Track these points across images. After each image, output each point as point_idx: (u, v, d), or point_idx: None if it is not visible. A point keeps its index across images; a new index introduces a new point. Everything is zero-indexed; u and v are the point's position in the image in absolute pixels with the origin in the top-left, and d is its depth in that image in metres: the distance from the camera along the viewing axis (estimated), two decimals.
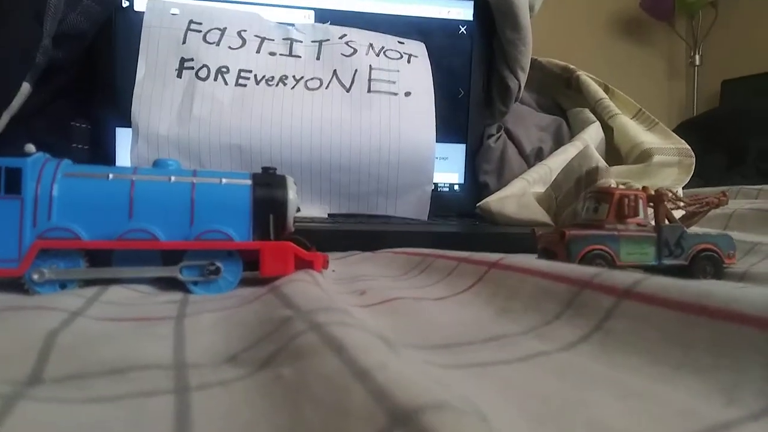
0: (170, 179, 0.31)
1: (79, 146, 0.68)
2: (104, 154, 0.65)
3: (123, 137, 0.65)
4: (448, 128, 0.71)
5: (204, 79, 0.61)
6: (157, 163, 0.33)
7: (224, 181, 0.32)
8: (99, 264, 0.30)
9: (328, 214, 0.64)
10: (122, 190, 0.30)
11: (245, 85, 0.62)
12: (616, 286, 0.22)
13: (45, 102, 0.62)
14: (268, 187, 0.33)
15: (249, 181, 0.33)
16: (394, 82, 0.65)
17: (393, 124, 0.64)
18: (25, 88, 0.57)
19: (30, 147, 0.30)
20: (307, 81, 0.63)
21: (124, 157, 0.64)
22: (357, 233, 0.54)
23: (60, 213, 0.29)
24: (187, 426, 0.13)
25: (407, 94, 0.65)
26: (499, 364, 0.18)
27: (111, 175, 0.31)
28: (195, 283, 0.31)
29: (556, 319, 0.22)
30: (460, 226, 0.65)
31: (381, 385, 0.13)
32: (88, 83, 0.66)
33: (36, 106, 0.60)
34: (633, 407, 0.15)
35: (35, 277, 0.29)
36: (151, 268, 0.31)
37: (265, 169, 0.34)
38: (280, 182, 0.33)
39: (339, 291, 0.30)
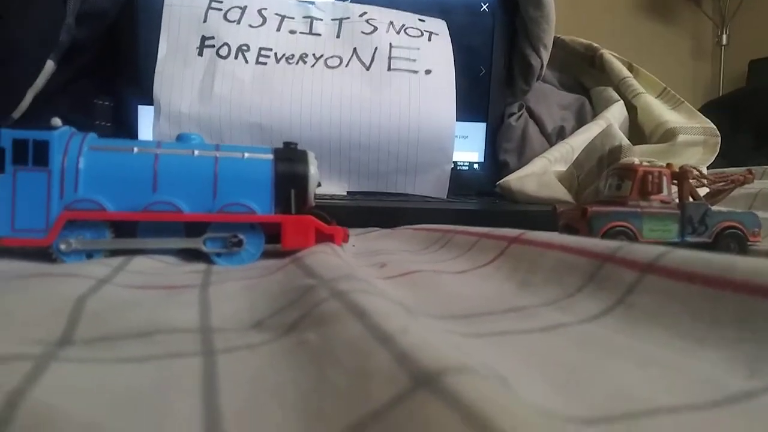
0: (193, 153, 0.32)
1: (102, 123, 0.68)
2: (126, 132, 0.66)
3: (145, 115, 0.65)
4: (469, 107, 0.71)
5: (225, 57, 0.62)
6: (180, 138, 0.33)
7: (246, 155, 0.32)
8: (124, 235, 0.31)
9: (347, 192, 0.64)
10: (146, 163, 0.31)
11: (266, 64, 0.62)
12: (638, 260, 0.22)
13: (68, 80, 0.63)
14: (289, 161, 0.33)
15: (271, 156, 0.33)
16: (414, 60, 0.64)
17: (413, 102, 0.63)
18: (49, 65, 0.58)
19: (56, 121, 0.30)
20: (327, 59, 0.63)
21: (146, 134, 0.65)
22: (376, 210, 0.54)
23: (86, 185, 0.30)
24: (214, 386, 0.14)
25: (427, 72, 0.65)
26: (519, 334, 0.18)
27: (136, 149, 0.31)
28: (218, 255, 0.31)
29: (577, 292, 0.22)
30: (479, 204, 0.64)
31: (403, 349, 0.13)
32: (111, 61, 0.67)
33: (59, 84, 0.61)
34: (655, 376, 0.15)
35: (62, 246, 0.29)
36: (176, 239, 0.31)
37: (287, 144, 0.34)
38: (301, 157, 0.34)
39: (359, 264, 0.30)
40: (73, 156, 0.30)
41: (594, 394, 0.14)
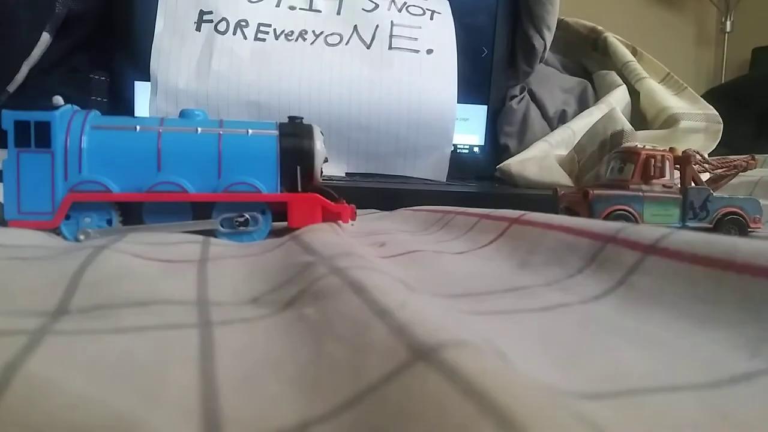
0: (197, 131, 0.31)
1: (98, 99, 0.68)
2: (123, 107, 0.65)
3: (141, 90, 0.65)
4: (470, 88, 0.70)
5: (223, 33, 0.61)
6: (183, 114, 0.33)
7: (251, 131, 0.32)
8: (129, 215, 0.31)
9: (346, 173, 0.64)
10: (150, 142, 0.30)
11: (264, 40, 0.61)
12: (640, 241, 0.21)
13: (64, 53, 0.62)
14: (294, 137, 0.33)
15: (275, 132, 0.32)
16: (416, 39, 0.64)
17: (413, 82, 0.63)
18: (45, 38, 0.57)
19: (58, 99, 0.30)
20: (326, 36, 0.62)
21: (143, 110, 0.64)
22: (375, 191, 0.54)
23: (90, 165, 0.30)
24: (211, 358, 0.14)
25: (429, 51, 0.64)
26: (519, 312, 0.18)
27: (138, 127, 0.31)
28: (228, 235, 0.31)
29: (578, 273, 0.22)
30: (479, 187, 0.64)
31: (401, 322, 0.13)
32: (108, 35, 0.66)
33: (55, 58, 0.60)
34: (656, 355, 0.15)
35: (81, 237, 0.29)
36: (191, 222, 0.31)
37: (292, 119, 0.34)
38: (306, 132, 0.33)
39: (358, 243, 0.30)
40: (75, 136, 0.30)
41: (594, 371, 0.14)
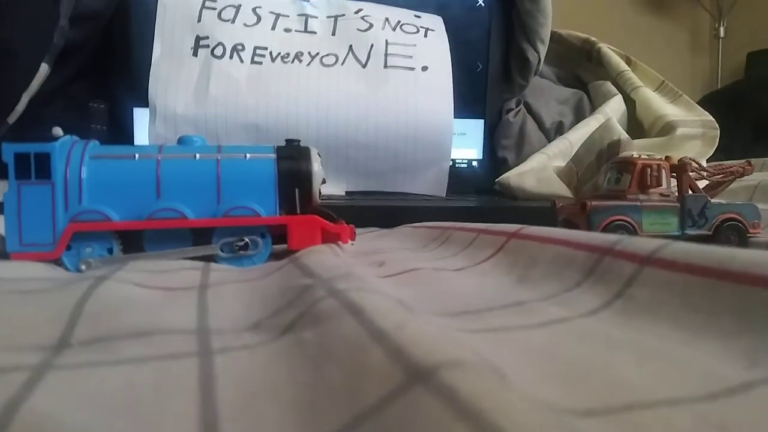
0: (195, 157, 0.32)
1: (98, 127, 0.68)
2: (122, 134, 0.66)
3: (141, 117, 0.65)
4: (466, 103, 0.70)
5: (220, 57, 0.61)
6: (182, 140, 0.33)
7: (248, 156, 0.32)
8: (129, 243, 0.31)
9: (346, 192, 0.64)
10: (149, 169, 0.31)
11: (261, 63, 0.62)
12: (637, 253, 0.21)
13: (63, 83, 0.63)
14: (291, 159, 0.33)
15: (273, 155, 0.33)
16: (410, 57, 0.64)
17: (410, 99, 0.63)
18: (44, 68, 0.58)
19: (57, 130, 0.30)
20: (322, 57, 0.63)
21: (142, 137, 0.65)
22: (375, 209, 0.54)
23: (90, 195, 0.30)
24: (211, 387, 0.14)
25: (424, 68, 0.64)
26: (518, 329, 0.18)
27: (137, 155, 0.31)
28: (228, 259, 0.31)
29: (576, 286, 0.22)
30: (478, 201, 0.64)
31: (398, 345, 0.13)
32: (106, 63, 0.66)
33: (54, 87, 0.61)
34: (655, 369, 0.15)
35: (83, 267, 0.29)
36: (193, 248, 0.31)
37: (289, 142, 0.34)
38: (304, 154, 0.33)
39: (358, 263, 0.30)
40: (75, 166, 0.30)
41: (593, 387, 0.14)
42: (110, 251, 0.30)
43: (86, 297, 0.20)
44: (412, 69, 0.64)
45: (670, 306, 0.19)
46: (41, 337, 0.17)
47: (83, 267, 0.29)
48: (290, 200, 0.32)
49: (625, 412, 0.12)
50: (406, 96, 0.63)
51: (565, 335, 0.18)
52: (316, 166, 0.33)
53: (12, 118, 0.57)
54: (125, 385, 0.14)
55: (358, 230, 0.48)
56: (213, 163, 0.32)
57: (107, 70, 0.67)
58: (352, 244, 0.37)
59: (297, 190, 0.32)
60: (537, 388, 0.14)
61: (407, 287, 0.24)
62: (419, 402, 0.11)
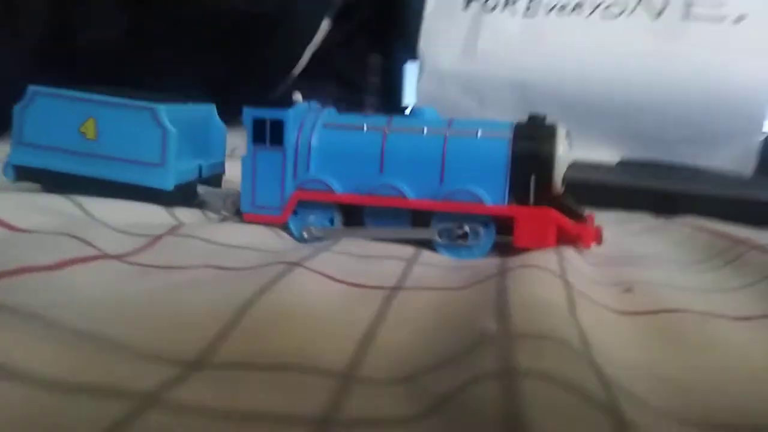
0: (423, 131, 0.29)
1: (374, 79, 0.71)
2: (394, 90, 0.67)
3: (411, 72, 0.65)
4: None
5: (491, 10, 0.58)
6: (413, 112, 0.31)
7: (480, 133, 0.28)
8: (351, 215, 0.30)
9: (620, 160, 0.55)
10: (374, 142, 0.30)
11: (535, 15, 0.56)
12: None
13: (343, 38, 0.66)
14: (530, 140, 0.28)
15: (508, 134, 0.28)
16: (721, 4, 0.51)
17: (715, 58, 0.51)
18: (325, 24, 0.61)
19: (297, 96, 0.31)
20: (606, 6, 0.54)
21: (411, 92, 0.65)
22: (647, 191, 0.45)
23: (318, 163, 0.30)
24: None
25: (739, 19, 0.51)
26: None
27: (366, 126, 0.30)
28: (446, 247, 0.29)
29: None
30: None
31: None
32: (384, 18, 0.68)
33: (334, 42, 0.64)
34: None
35: (305, 235, 0.30)
36: (410, 230, 0.29)
37: (532, 118, 0.29)
38: (547, 134, 0.28)
39: (595, 280, 0.24)
40: (306, 134, 0.30)
41: None
42: (331, 222, 0.30)
43: (263, 291, 0.18)
44: (722, 20, 0.51)
45: None
46: (183, 343, 0.15)
47: (305, 234, 0.30)
48: (523, 188, 0.28)
49: None
50: (711, 54, 0.51)
51: None
52: (561, 149, 0.27)
53: (296, 71, 0.62)
54: None
55: (621, 215, 0.40)
56: (440, 139, 0.29)
57: (384, 26, 0.68)
58: (601, 244, 0.31)
59: (533, 177, 0.27)
60: None
61: (653, 344, 0.18)
62: None
